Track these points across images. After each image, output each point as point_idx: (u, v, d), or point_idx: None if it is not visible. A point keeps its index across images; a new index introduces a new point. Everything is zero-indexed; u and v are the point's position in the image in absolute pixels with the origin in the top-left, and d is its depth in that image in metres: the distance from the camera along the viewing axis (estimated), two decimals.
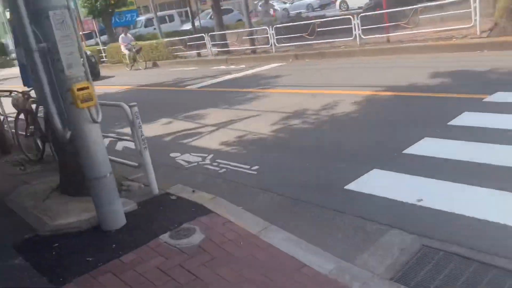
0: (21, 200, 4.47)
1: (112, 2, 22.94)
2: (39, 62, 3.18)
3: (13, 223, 4.06)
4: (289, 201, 4.04)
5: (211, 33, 16.86)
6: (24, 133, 6.21)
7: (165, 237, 3.36)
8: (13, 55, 43.81)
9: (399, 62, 9.80)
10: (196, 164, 5.45)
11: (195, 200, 3.97)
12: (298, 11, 28.02)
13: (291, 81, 9.93)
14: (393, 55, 10.70)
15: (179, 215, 3.69)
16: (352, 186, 4.11)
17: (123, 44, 18.53)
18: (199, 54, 17.51)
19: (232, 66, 14.35)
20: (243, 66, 13.94)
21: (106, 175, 3.45)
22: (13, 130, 6.81)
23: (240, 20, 26.05)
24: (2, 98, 7.11)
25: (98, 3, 23.09)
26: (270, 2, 17.90)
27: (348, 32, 12.33)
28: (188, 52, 17.93)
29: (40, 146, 5.98)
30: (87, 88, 3.19)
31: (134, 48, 18.34)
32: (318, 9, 31.12)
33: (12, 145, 6.88)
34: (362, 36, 12.00)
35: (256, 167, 4.98)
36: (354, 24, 12.05)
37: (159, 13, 27.74)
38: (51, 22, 3.08)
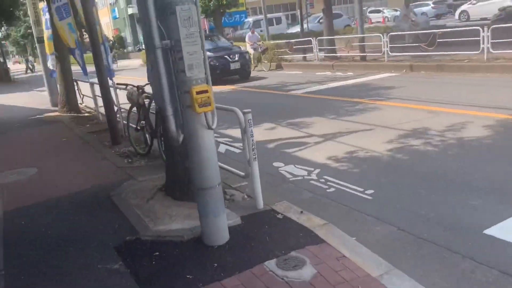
0: (126, 197, 4.43)
1: (225, 2, 23.52)
2: (161, 60, 2.99)
3: (116, 220, 4.00)
4: (412, 239, 3.45)
5: (319, 38, 16.38)
6: (135, 126, 6.32)
7: (271, 264, 2.99)
8: (130, 48, 47.50)
9: None
10: (301, 178, 5.04)
11: (304, 223, 3.56)
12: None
13: (406, 94, 9.08)
14: None
15: (286, 240, 3.31)
16: (493, 231, 3.39)
17: (249, 42, 17.36)
18: (305, 58, 17.12)
19: (339, 73, 13.75)
20: (351, 73, 13.28)
21: (215, 186, 3.19)
22: (125, 122, 7.02)
23: (348, 25, 25.30)
24: (118, 91, 7.37)
25: (212, 3, 23.83)
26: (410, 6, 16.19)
27: (473, 44, 11.07)
28: (293, 56, 17.61)
29: (149, 141, 6.03)
30: (206, 91, 2.93)
31: (260, 48, 17.21)
32: (434, 18, 29.14)
33: (122, 137, 7.12)
34: (491, 50, 10.68)
35: (371, 191, 4.42)
36: (483, 36, 10.77)
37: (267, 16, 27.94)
38: (177, 18, 2.87)
